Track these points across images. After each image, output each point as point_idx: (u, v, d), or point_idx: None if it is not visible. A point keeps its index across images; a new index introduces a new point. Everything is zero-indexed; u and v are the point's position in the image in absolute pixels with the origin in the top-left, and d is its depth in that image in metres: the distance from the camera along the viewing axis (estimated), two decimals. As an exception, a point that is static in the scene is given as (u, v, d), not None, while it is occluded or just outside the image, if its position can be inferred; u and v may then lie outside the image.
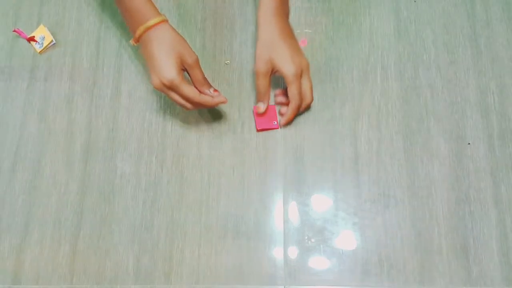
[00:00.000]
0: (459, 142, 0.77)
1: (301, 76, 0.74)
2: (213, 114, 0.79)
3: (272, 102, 0.79)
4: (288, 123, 0.78)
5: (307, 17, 0.84)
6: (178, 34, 0.72)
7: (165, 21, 0.72)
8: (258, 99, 0.77)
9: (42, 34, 0.85)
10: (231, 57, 0.82)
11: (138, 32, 0.71)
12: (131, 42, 0.74)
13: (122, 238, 0.74)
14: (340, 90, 0.80)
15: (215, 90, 0.74)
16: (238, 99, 0.80)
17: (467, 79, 0.80)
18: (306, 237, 0.73)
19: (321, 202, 0.75)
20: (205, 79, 0.73)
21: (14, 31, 0.85)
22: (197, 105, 0.73)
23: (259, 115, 0.77)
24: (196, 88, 0.73)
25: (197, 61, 0.72)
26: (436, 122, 0.78)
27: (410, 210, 0.74)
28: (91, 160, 0.78)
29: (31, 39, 0.84)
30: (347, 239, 0.73)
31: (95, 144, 0.79)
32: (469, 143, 0.77)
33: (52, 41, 0.85)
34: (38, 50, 0.85)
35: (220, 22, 0.84)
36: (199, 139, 0.79)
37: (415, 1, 0.84)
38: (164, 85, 0.70)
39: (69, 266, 0.74)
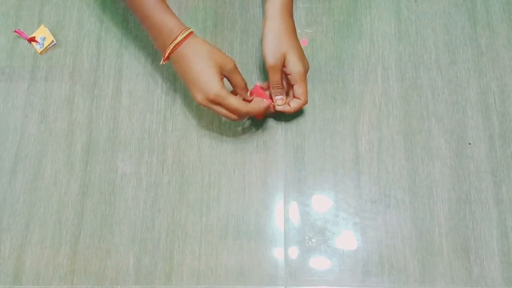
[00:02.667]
0: (460, 142, 0.77)
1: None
2: (214, 114, 0.79)
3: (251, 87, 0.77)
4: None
5: (308, 17, 0.84)
6: (209, 43, 0.71)
7: (192, 32, 0.71)
8: (276, 94, 0.75)
9: (43, 34, 0.85)
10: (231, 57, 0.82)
11: (168, 51, 0.69)
12: (161, 63, 0.72)
13: (122, 238, 0.74)
14: (340, 90, 0.80)
15: (251, 94, 0.74)
16: (239, 99, 0.80)
17: (468, 79, 0.80)
18: (306, 237, 0.73)
19: (322, 202, 0.75)
20: (245, 83, 0.73)
21: (15, 31, 0.85)
22: (244, 115, 0.71)
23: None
24: (237, 92, 0.72)
25: (235, 65, 0.71)
26: (437, 122, 0.78)
27: (411, 210, 0.74)
28: (92, 160, 0.78)
29: (32, 39, 0.84)
30: (347, 239, 0.73)
31: (96, 144, 0.79)
32: (470, 143, 0.77)
33: (52, 41, 0.85)
34: (39, 51, 0.85)
35: (221, 22, 0.84)
36: (200, 139, 0.79)
37: (415, 1, 0.84)
38: (210, 100, 0.69)
39: (70, 266, 0.74)
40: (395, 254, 0.72)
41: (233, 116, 0.71)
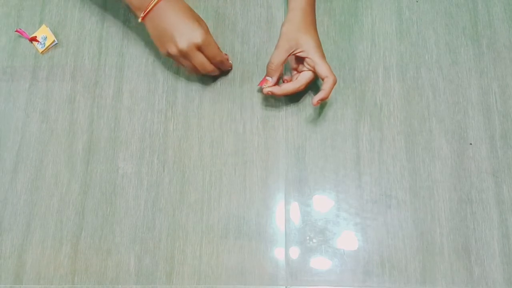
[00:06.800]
0: (461, 143, 0.77)
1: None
2: (215, 114, 0.79)
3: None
4: (323, 100, 0.73)
5: (309, 17, 0.84)
6: None
7: None
8: (267, 74, 0.75)
9: (44, 34, 0.85)
10: (232, 58, 0.82)
11: (152, 3, 0.71)
12: (140, 18, 0.73)
13: (123, 238, 0.74)
14: (342, 90, 0.80)
15: (226, 54, 0.79)
16: (240, 99, 0.80)
17: (469, 79, 0.80)
18: (307, 238, 0.73)
19: (323, 203, 0.75)
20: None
21: (16, 31, 0.85)
22: (218, 63, 0.76)
23: None
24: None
25: (208, 30, 0.74)
26: (438, 123, 0.78)
27: (412, 211, 0.74)
28: (93, 160, 0.78)
29: (33, 39, 0.85)
30: (348, 239, 0.73)
31: (97, 144, 0.79)
32: (471, 144, 0.76)
33: (54, 41, 0.85)
34: (40, 50, 0.85)
35: (222, 22, 0.84)
36: (201, 139, 0.79)
37: (417, 1, 0.84)
38: (195, 45, 0.71)
39: (71, 266, 0.74)
40: (396, 254, 0.72)
41: (209, 67, 0.75)
